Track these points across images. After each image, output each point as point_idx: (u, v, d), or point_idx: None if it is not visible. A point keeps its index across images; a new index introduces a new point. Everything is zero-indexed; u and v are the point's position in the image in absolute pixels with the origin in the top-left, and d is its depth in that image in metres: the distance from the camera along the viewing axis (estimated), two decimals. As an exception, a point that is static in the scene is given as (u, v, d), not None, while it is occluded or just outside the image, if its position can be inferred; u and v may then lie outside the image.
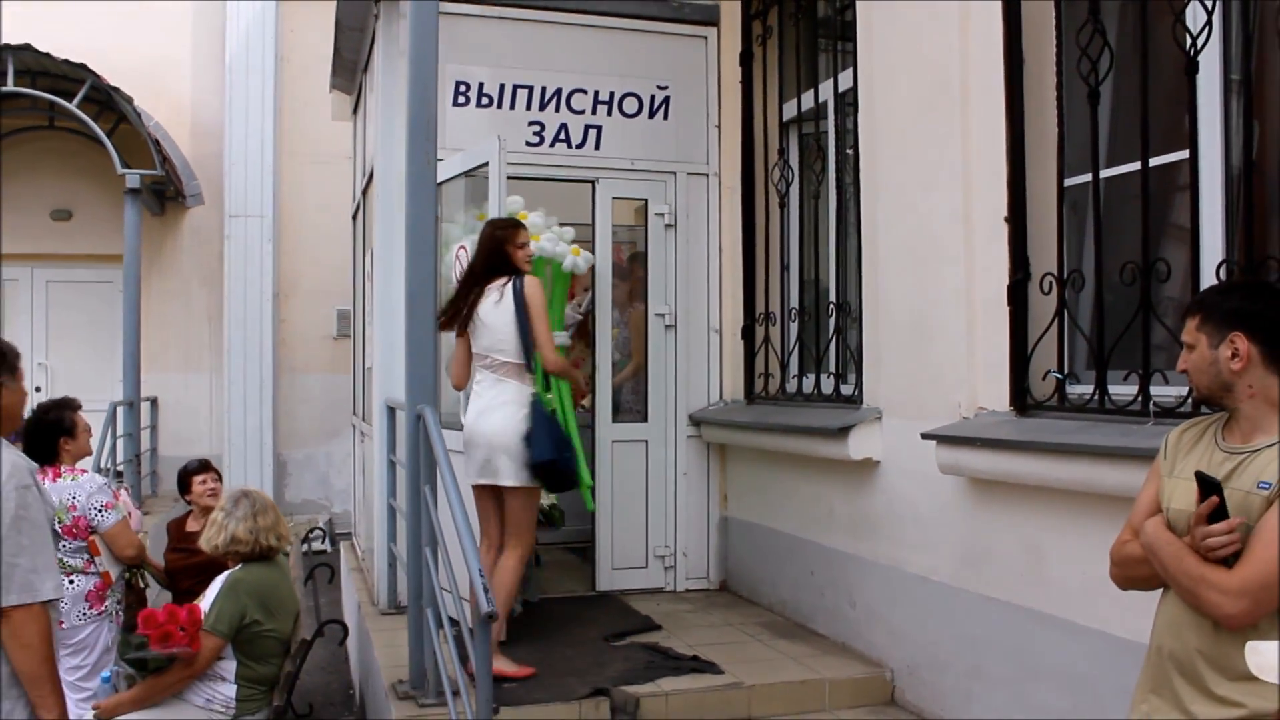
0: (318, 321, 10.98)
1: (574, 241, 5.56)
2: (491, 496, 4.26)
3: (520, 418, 4.18)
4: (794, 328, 5.43)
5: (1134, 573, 2.22)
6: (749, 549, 5.68)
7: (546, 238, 5.35)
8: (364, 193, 7.18)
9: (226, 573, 4.11)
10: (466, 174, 5.18)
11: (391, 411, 5.09)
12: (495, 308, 4.24)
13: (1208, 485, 1.99)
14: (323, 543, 9.57)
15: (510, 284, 4.25)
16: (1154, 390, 3.16)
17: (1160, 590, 2.20)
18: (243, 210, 10.71)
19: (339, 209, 10.00)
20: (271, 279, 10.78)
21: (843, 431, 4.43)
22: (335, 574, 7.55)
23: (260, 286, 10.74)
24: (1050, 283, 3.56)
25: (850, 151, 4.85)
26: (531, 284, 4.24)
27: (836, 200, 5.07)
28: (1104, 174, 3.45)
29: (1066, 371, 3.56)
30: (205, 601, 4.01)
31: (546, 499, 4.70)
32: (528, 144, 5.74)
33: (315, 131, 10.66)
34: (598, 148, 5.84)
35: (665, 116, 5.94)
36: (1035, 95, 3.67)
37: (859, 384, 4.64)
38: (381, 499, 5.24)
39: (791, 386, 5.39)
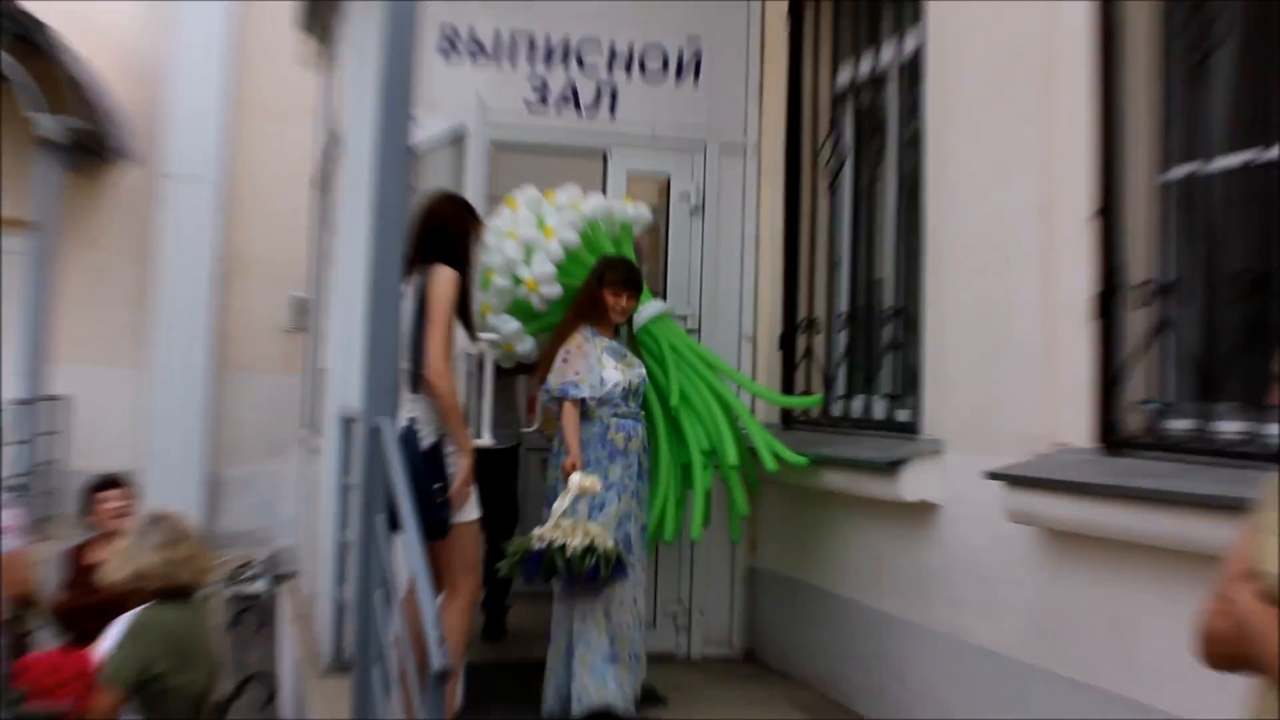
0: (271, 310, 11.14)
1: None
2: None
3: (429, 442, 4.32)
4: (843, 338, 5.56)
5: (1222, 651, 2.17)
6: (781, 608, 5.77)
7: (596, 202, 5.40)
8: (326, 157, 7.34)
9: (131, 613, 4.16)
10: (452, 143, 5.33)
11: (347, 424, 5.23)
12: (405, 304, 4.35)
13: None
14: (257, 582, 9.72)
15: (419, 275, 4.35)
16: (1274, 428, 3.24)
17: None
18: (184, 171, 10.84)
19: (299, 176, 10.15)
20: (216, 256, 10.94)
21: (894, 467, 4.54)
22: (269, 620, 7.70)
23: (201, 264, 10.86)
24: (1145, 293, 3.66)
25: (914, 128, 4.97)
26: (445, 276, 4.33)
27: (897, 186, 5.19)
28: (1214, 165, 3.55)
29: (1164, 401, 3.66)
30: (102, 648, 4.03)
31: (596, 536, 4.64)
32: (527, 103, 5.89)
33: (279, 80, 10.75)
34: (612, 112, 5.99)
35: (695, 78, 6.07)
36: (1133, 67, 3.77)
37: (917, 409, 4.75)
38: (331, 532, 5.37)
39: (838, 410, 5.50)
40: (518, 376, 6.51)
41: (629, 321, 5.14)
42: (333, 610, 5.24)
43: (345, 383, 5.51)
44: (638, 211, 5.50)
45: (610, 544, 4.52)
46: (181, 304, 10.80)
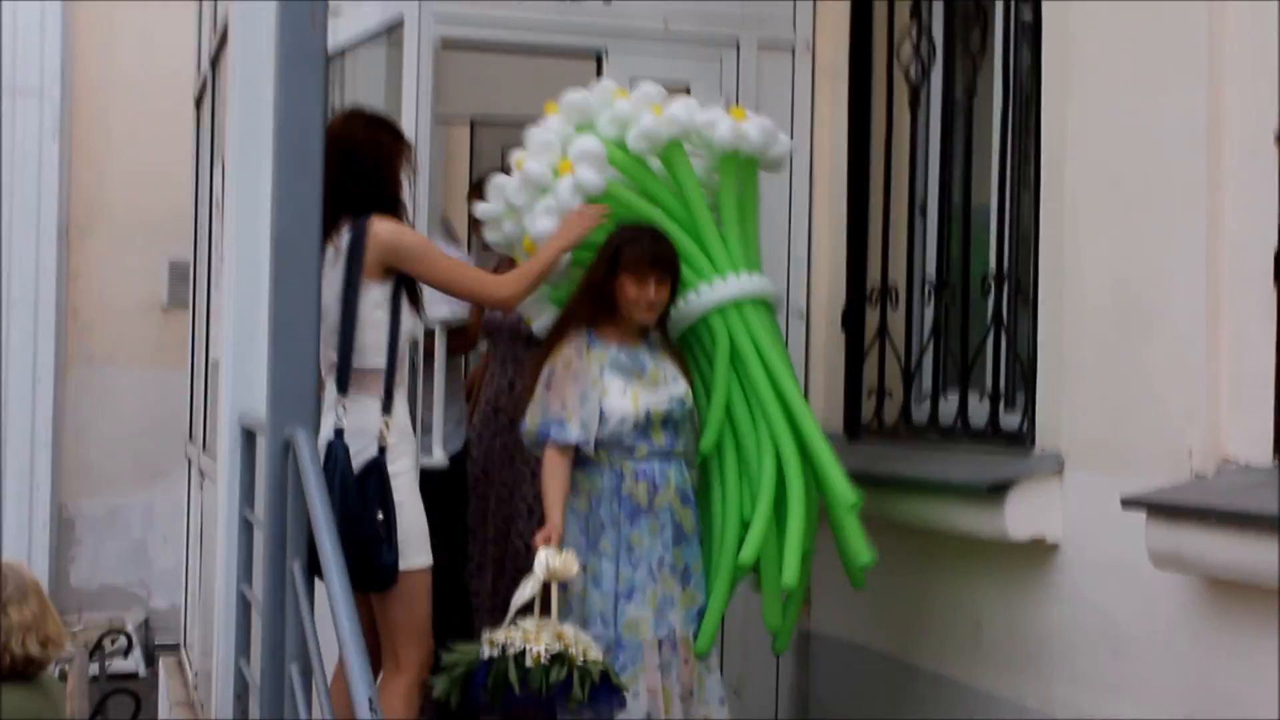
0: (135, 279, 11.19)
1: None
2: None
3: (354, 453, 4.42)
4: (928, 314, 5.60)
5: None
6: (844, 686, 5.81)
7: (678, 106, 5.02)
8: (214, 63, 7.39)
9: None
10: (385, 37, 5.38)
11: (249, 437, 5.30)
12: (330, 273, 4.44)
13: None
14: (129, 657, 9.78)
15: (350, 231, 4.44)
16: None
17: None
18: (8, 84, 10.75)
19: (178, 87, 10.18)
20: (57, 203, 10.96)
21: (997, 492, 4.59)
22: (140, 708, 7.79)
23: (36, 216, 10.88)
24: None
25: (1029, 20, 4.98)
26: (391, 229, 4.46)
27: (1003, 100, 5.21)
28: None
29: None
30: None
31: (571, 643, 4.60)
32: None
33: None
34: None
35: (725, -57, 6.09)
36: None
37: (1029, 412, 4.79)
38: (229, 585, 5.44)
39: (922, 413, 5.55)
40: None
41: (664, 316, 4.93)
42: (233, 694, 5.29)
43: (245, 380, 5.59)
44: (762, 135, 5.02)
45: (595, 655, 4.41)
46: (10, 273, 10.75)
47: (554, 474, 4.71)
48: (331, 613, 3.53)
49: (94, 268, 11.23)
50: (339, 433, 4.40)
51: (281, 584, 4.14)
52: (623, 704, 4.49)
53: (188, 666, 7.62)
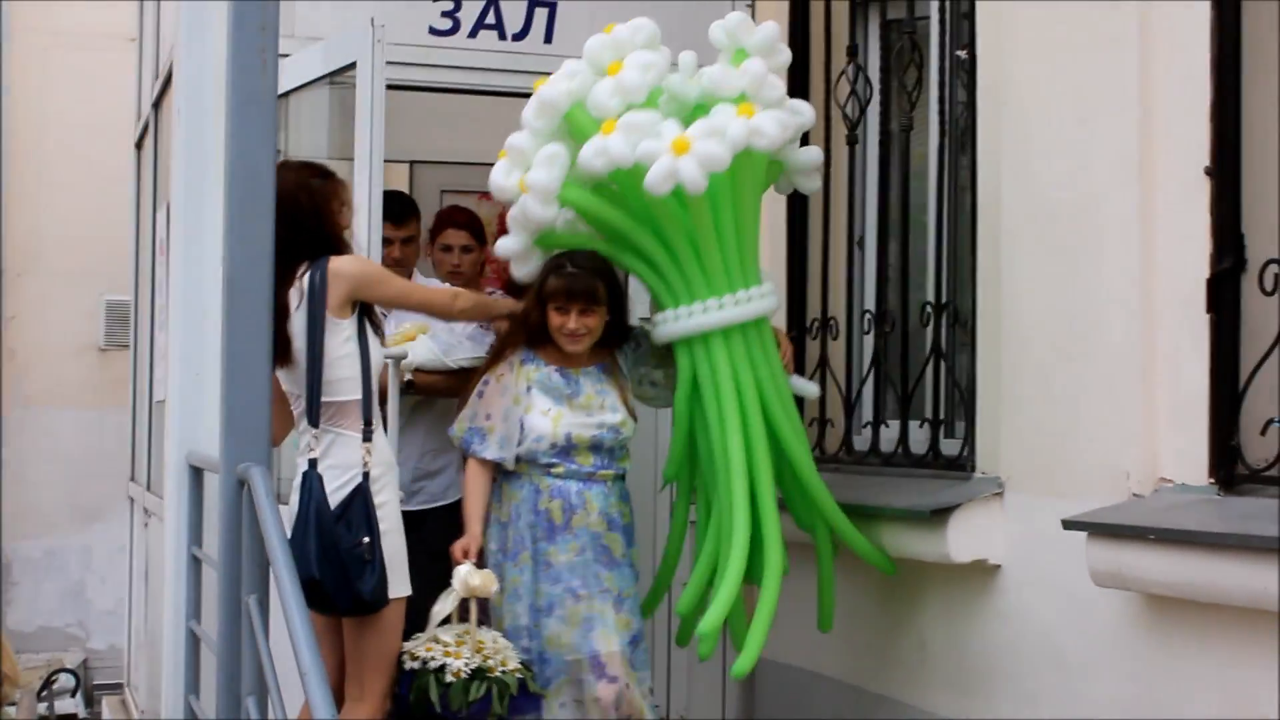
0: (72, 320, 11.11)
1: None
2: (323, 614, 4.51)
3: (339, 486, 4.44)
4: (868, 344, 5.66)
5: None
6: (791, 709, 5.83)
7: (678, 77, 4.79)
8: (156, 106, 7.40)
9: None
10: (329, 79, 5.41)
11: (197, 475, 5.30)
12: (297, 315, 4.50)
13: None
14: (73, 697, 9.69)
15: (309, 273, 4.50)
16: None
17: None
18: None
19: (116, 131, 10.15)
20: (-10, 246, 10.88)
21: (939, 516, 4.65)
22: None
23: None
24: (1277, 275, 3.79)
25: (964, 54, 5.06)
26: (352, 261, 4.57)
27: (939, 135, 5.29)
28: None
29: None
30: None
31: (490, 654, 4.62)
32: (433, 32, 5.98)
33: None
34: (548, 39, 6.09)
35: (660, -14, 6.15)
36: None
37: (969, 438, 4.87)
38: (178, 622, 5.44)
39: (863, 440, 5.61)
40: None
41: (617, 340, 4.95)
42: (181, 729, 5.30)
43: (191, 418, 5.61)
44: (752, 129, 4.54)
45: (514, 664, 4.47)
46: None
47: (474, 485, 4.81)
48: (291, 644, 3.54)
49: (30, 309, 11.15)
50: (312, 464, 4.44)
51: (237, 618, 4.14)
52: (537, 708, 4.58)
53: (133, 705, 7.57)
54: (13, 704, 4.46)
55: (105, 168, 10.43)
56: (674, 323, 4.73)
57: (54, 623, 11.13)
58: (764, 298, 4.77)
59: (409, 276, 5.57)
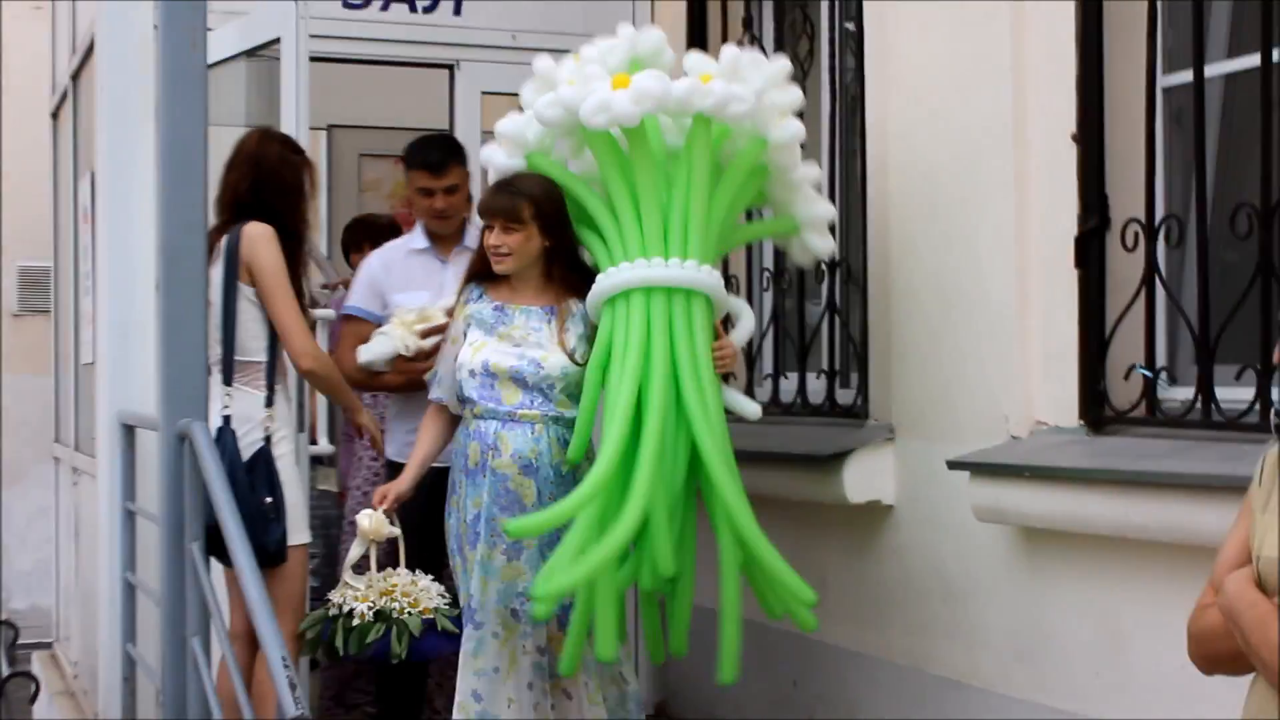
0: (-15, 287, 11.09)
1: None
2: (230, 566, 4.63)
3: (245, 446, 4.64)
4: (768, 300, 5.87)
5: (1215, 649, 2.47)
6: (698, 648, 6.02)
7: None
8: (75, 78, 7.43)
9: None
10: (249, 54, 5.55)
11: (129, 433, 5.44)
12: (213, 271, 4.65)
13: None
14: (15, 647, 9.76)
15: (230, 234, 4.67)
16: None
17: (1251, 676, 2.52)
18: None
19: (27, 97, 10.12)
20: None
21: (834, 461, 4.89)
22: (40, 690, 7.80)
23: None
24: (1137, 233, 4.07)
25: (852, 26, 5.28)
26: (260, 234, 4.67)
27: (830, 103, 5.51)
28: (1211, 70, 3.95)
29: (1159, 367, 4.08)
30: None
31: (398, 595, 4.50)
32: (347, 5, 6.11)
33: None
34: (458, 11, 6.23)
35: (568, -41, 6.30)
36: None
37: (863, 387, 5.11)
38: (114, 574, 5.55)
39: (764, 392, 5.82)
40: None
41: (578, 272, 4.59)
42: (120, 676, 5.39)
43: (121, 379, 5.70)
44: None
45: (427, 605, 4.43)
46: None
47: (423, 429, 4.71)
48: (241, 586, 3.75)
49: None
50: (226, 419, 4.62)
51: (180, 565, 4.31)
52: (454, 647, 4.47)
53: (64, 659, 7.66)
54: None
55: (15, 137, 10.35)
56: (603, 281, 4.39)
57: (-27, 584, 11.13)
58: (697, 271, 4.35)
59: (459, 229, 5.34)
